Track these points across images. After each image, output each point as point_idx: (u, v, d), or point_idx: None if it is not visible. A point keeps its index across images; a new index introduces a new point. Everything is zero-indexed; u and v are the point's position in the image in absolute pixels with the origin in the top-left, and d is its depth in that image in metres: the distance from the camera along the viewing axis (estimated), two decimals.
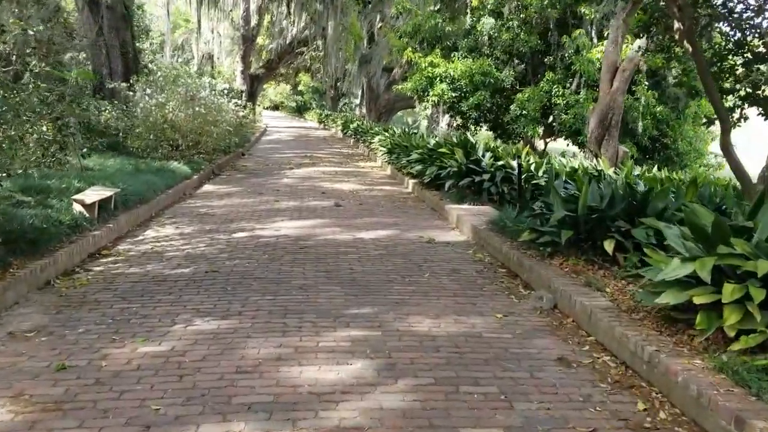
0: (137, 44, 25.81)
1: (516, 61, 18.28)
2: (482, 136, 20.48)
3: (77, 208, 7.57)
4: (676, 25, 6.33)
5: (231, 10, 33.90)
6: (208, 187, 12.62)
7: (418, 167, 11.93)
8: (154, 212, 9.43)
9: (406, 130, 20.73)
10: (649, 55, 8.70)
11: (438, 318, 4.89)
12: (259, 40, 39.72)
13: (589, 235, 6.10)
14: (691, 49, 6.23)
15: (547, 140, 18.94)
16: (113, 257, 6.81)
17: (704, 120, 7.90)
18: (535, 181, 9.64)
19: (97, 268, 6.29)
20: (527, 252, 6.46)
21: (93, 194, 7.93)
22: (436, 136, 19.28)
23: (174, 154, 13.71)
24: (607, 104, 11.01)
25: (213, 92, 15.04)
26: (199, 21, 25.69)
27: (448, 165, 10.63)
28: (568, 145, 20.52)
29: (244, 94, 35.93)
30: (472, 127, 20.51)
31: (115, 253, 7.00)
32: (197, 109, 14.01)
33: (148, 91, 13.70)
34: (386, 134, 18.14)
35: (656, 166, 10.84)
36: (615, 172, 10.49)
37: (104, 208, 8.04)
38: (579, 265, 5.80)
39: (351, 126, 27.60)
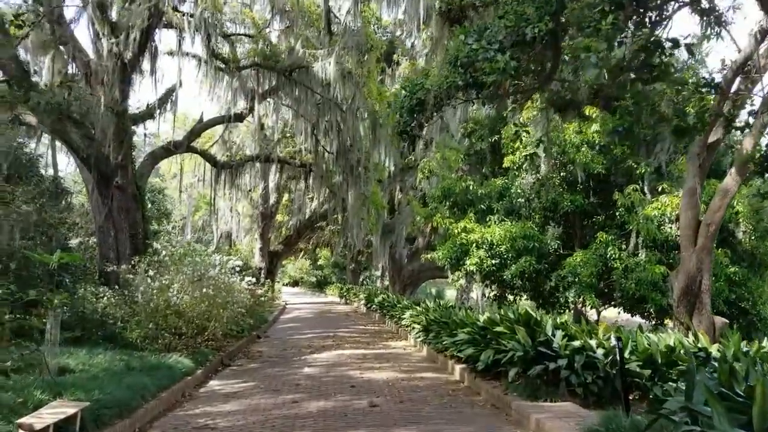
0: (155, 226, 25.03)
1: (552, 224, 16.78)
2: (520, 306, 18.45)
3: None
4: None
5: (250, 190, 33.85)
6: (213, 384, 10.48)
7: (469, 350, 9.76)
8: (138, 427, 7.28)
9: (438, 302, 18.76)
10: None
11: None
12: (278, 216, 39.51)
13: None
14: None
15: (601, 309, 16.73)
16: None
17: None
18: (625, 366, 7.51)
19: None
20: None
21: (48, 414, 5.92)
22: (473, 309, 17.27)
23: (177, 344, 11.74)
24: (694, 265, 9.10)
25: (222, 270, 13.35)
26: (213, 201, 25.29)
27: (509, 348, 8.51)
28: (619, 313, 18.32)
29: (262, 272, 34.79)
30: (511, 298, 18.49)
31: None
32: (204, 290, 12.26)
33: (151, 273, 12.07)
34: (419, 308, 16.13)
35: (762, 341, 8.66)
36: (719, 350, 8.36)
37: (65, 431, 6.01)
38: None
39: (375, 300, 25.72)
